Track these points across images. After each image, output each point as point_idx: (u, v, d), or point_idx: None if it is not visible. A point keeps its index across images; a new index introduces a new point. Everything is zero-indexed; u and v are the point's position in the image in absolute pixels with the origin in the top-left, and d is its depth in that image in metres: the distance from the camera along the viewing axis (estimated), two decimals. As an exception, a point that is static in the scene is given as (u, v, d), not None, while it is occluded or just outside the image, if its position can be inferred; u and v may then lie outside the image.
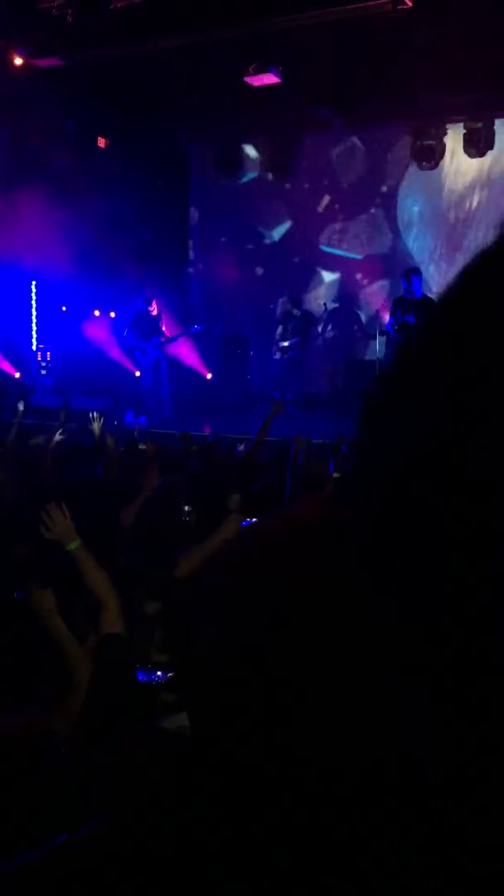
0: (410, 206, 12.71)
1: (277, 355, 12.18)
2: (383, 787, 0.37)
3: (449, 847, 0.36)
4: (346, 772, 0.38)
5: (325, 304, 12.84)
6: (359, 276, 13.03)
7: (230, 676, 0.43)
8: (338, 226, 13.19)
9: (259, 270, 13.68)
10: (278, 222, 13.56)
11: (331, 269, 13.28)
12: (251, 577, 0.45)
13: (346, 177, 12.97)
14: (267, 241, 13.68)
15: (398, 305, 8.78)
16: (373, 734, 0.37)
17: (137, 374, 11.42)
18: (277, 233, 13.61)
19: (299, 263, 13.41)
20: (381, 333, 10.34)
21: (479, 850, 0.35)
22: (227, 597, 0.47)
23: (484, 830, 0.35)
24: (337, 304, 12.91)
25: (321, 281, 13.31)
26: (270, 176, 13.24)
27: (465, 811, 0.36)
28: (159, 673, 2.69)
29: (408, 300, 8.65)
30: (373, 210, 12.93)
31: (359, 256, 13.00)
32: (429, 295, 8.92)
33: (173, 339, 11.34)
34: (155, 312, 11.24)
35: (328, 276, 13.28)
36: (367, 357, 12.35)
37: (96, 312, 12.49)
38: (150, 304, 11.25)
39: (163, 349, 11.22)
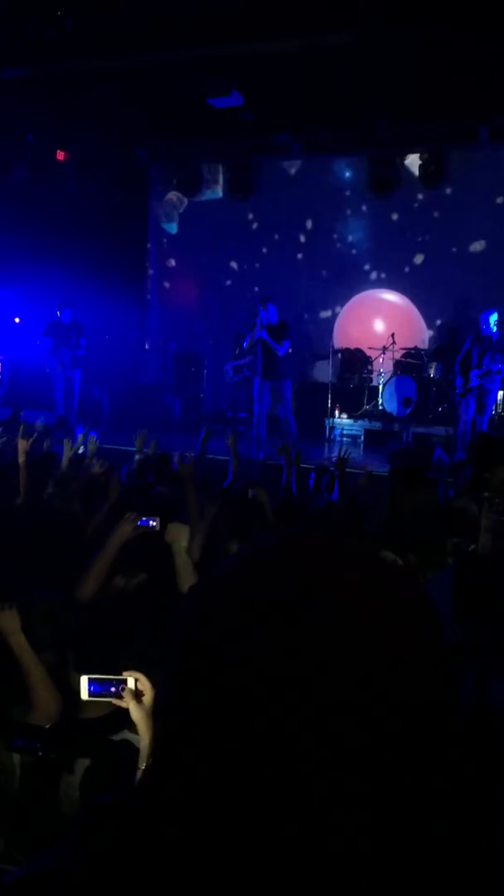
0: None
1: (230, 374, 12.28)
2: None
3: None
4: None
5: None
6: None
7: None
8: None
9: (217, 289, 13.73)
10: (238, 242, 13.62)
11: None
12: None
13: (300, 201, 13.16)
14: (226, 260, 13.74)
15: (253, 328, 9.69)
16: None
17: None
18: (237, 252, 13.67)
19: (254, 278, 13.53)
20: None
21: None
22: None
23: None
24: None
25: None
26: (230, 196, 13.32)
27: None
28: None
29: (264, 325, 9.57)
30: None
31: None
32: (285, 321, 9.87)
33: (79, 350, 10.97)
34: (65, 322, 10.90)
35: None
36: (318, 379, 12.52)
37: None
38: (60, 312, 10.91)
39: (75, 361, 10.96)
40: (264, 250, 13.48)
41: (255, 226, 13.50)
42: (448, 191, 12.16)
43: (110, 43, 8.93)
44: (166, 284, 14.36)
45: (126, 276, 13.34)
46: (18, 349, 12.10)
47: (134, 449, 6.72)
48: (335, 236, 13.07)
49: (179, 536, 3.07)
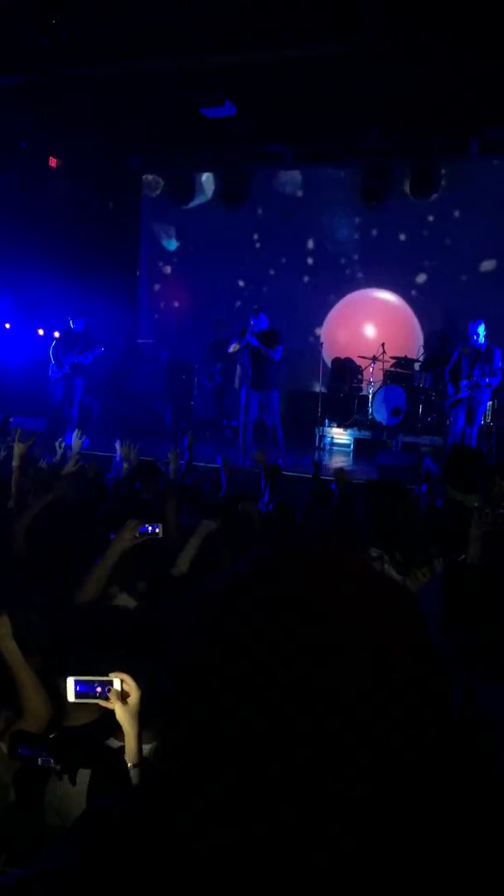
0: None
1: (205, 380, 12.38)
2: None
3: None
4: None
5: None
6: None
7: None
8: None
9: (209, 298, 13.75)
10: (227, 249, 13.66)
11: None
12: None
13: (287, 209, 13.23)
14: (216, 267, 13.76)
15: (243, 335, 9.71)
16: None
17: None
18: (227, 259, 13.70)
19: (246, 290, 13.55)
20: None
21: None
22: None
23: None
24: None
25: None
26: (222, 204, 13.37)
27: None
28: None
29: (255, 332, 9.55)
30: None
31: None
32: (276, 329, 9.85)
33: (80, 358, 11.01)
34: (77, 331, 11.01)
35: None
36: (308, 388, 12.50)
37: (40, 332, 12.37)
38: (73, 321, 11.04)
39: (78, 368, 10.98)
40: (268, 268, 13.50)
41: (246, 234, 13.51)
42: (456, 214, 12.24)
43: (104, 51, 8.95)
44: (158, 291, 14.37)
45: (118, 283, 13.35)
46: (8, 355, 12.08)
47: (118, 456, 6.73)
48: (342, 261, 13.09)
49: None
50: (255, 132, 11.39)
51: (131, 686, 1.96)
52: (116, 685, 1.96)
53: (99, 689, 1.97)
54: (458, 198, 12.13)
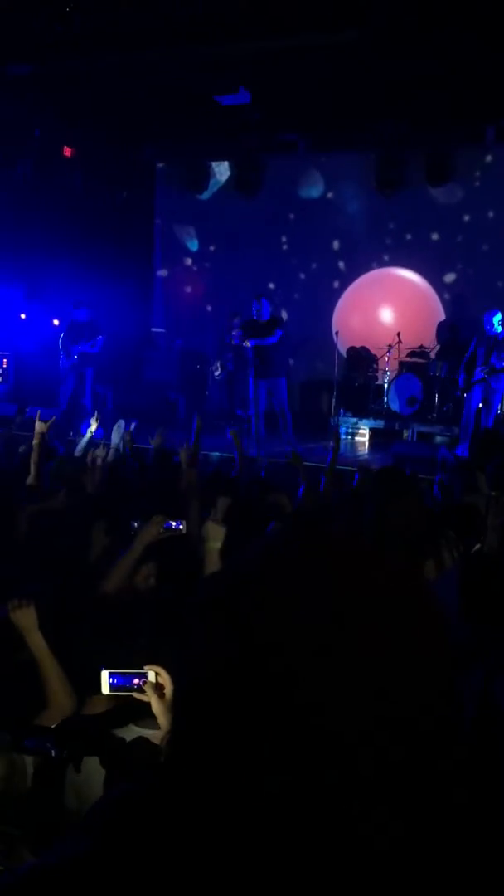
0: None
1: (217, 372, 12.34)
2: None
3: None
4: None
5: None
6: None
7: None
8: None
9: (221, 286, 13.72)
10: (242, 238, 13.62)
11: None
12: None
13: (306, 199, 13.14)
14: (231, 257, 13.73)
15: (246, 325, 9.76)
16: None
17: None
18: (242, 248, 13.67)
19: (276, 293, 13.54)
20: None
21: None
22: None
23: None
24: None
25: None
26: (237, 193, 13.32)
27: None
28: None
29: (255, 321, 9.51)
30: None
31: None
32: (277, 316, 9.78)
33: (86, 348, 10.91)
34: (83, 320, 10.89)
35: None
36: (323, 377, 12.46)
37: (55, 321, 12.38)
38: (77, 310, 10.92)
39: (87, 357, 10.91)
40: (297, 271, 13.51)
41: (264, 228, 13.43)
42: (490, 214, 12.13)
43: (118, 40, 8.92)
44: (172, 281, 14.34)
45: (132, 273, 13.34)
46: (24, 345, 12.12)
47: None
48: (373, 265, 13.02)
49: (216, 536, 2.96)
50: (268, 120, 11.33)
51: (166, 679, 1.95)
52: (151, 677, 1.94)
53: (135, 682, 1.96)
54: (490, 194, 12.02)
